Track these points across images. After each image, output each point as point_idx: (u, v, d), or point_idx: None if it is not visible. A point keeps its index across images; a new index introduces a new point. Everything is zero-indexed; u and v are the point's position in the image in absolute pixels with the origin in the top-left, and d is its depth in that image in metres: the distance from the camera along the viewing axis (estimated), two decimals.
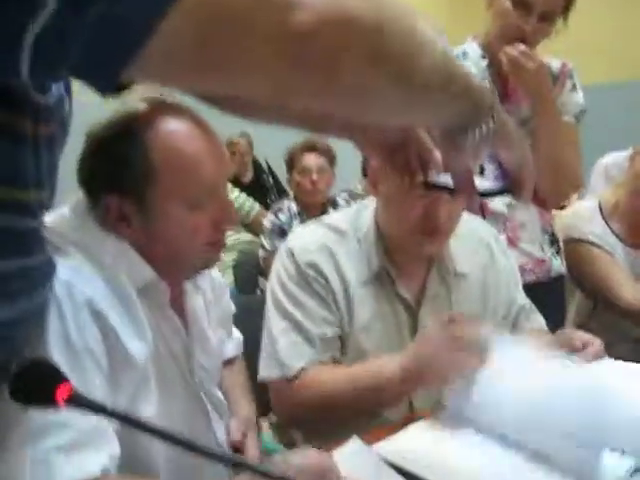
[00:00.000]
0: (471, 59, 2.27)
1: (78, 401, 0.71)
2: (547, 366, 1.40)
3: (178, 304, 1.37)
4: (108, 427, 1.09)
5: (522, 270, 2.19)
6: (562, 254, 2.36)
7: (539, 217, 2.31)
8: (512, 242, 2.23)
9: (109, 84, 0.68)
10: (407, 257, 1.67)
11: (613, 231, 2.50)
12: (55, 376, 0.74)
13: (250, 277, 3.65)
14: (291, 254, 1.66)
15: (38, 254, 0.97)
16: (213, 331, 1.51)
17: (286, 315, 1.62)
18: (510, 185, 1.02)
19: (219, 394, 1.51)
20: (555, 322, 2.18)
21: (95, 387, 1.09)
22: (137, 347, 1.18)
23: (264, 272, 3.77)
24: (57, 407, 0.72)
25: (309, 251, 1.65)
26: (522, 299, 1.83)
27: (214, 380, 1.50)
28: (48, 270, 1.03)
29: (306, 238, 1.70)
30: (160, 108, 1.25)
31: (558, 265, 2.33)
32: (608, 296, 2.36)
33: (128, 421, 0.72)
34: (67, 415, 1.02)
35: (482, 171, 1.04)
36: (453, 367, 1.37)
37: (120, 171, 1.21)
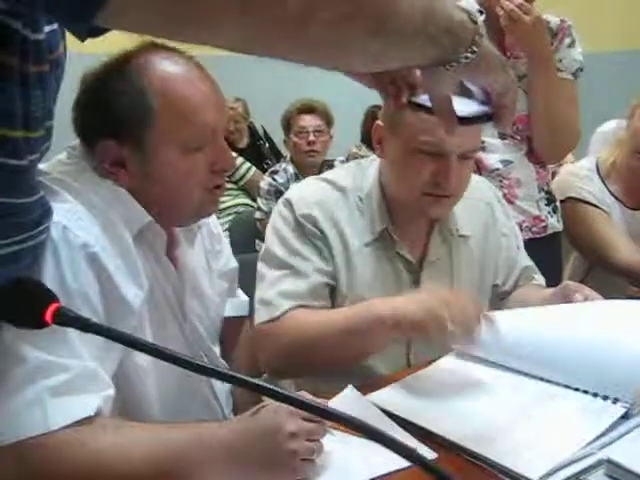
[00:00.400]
0: None
1: (66, 319, 0.71)
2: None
3: (173, 253, 1.36)
4: (104, 371, 1.09)
5: (518, 227, 2.19)
6: (559, 212, 2.35)
7: (536, 175, 2.30)
8: (508, 199, 2.22)
9: (83, 26, 0.67)
10: (410, 219, 1.65)
11: (610, 191, 2.50)
12: (43, 295, 0.73)
13: (246, 240, 3.64)
14: (289, 204, 1.63)
15: (29, 195, 0.96)
16: (211, 282, 1.51)
17: (280, 261, 1.59)
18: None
19: (215, 348, 1.50)
20: (551, 279, 2.18)
21: (91, 335, 1.08)
22: (132, 293, 1.17)
23: (260, 234, 3.77)
24: (45, 325, 0.72)
25: (307, 204, 1.62)
26: (525, 261, 1.82)
27: (210, 333, 1.49)
28: (42, 212, 1.02)
29: (305, 191, 1.67)
30: (156, 51, 1.23)
31: (554, 223, 2.33)
32: (604, 255, 2.37)
33: (115, 337, 0.71)
34: (62, 358, 1.03)
35: (470, 95, 1.03)
36: (458, 317, 1.30)
37: (116, 115, 1.20)
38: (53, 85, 0.95)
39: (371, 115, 4.49)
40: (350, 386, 1.35)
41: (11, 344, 1.00)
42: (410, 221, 1.65)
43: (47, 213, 1.05)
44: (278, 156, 4.77)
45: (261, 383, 0.70)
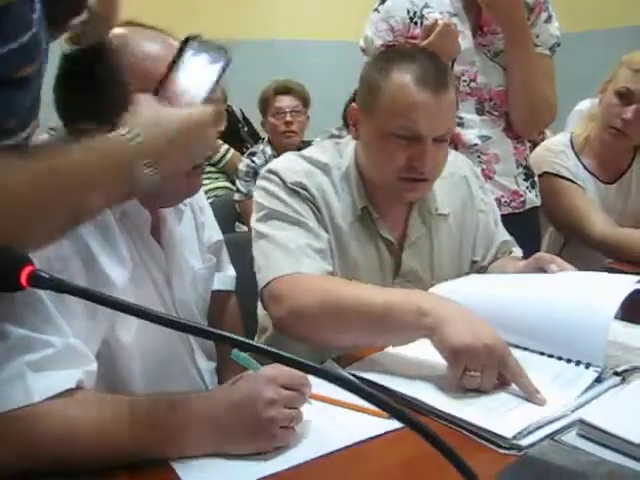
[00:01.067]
0: None
1: (40, 281, 0.71)
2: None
3: (159, 232, 1.37)
4: (87, 348, 1.09)
5: (497, 202, 2.20)
6: (537, 187, 2.37)
7: (514, 150, 2.31)
8: (487, 175, 2.23)
9: None
10: (388, 200, 1.66)
11: (584, 166, 2.54)
12: (17, 259, 0.73)
13: (226, 222, 3.65)
14: (275, 173, 1.61)
15: None
16: (202, 256, 1.52)
17: (280, 218, 1.56)
18: None
19: (204, 322, 1.51)
20: (530, 254, 2.20)
21: (74, 314, 1.09)
22: (116, 273, 1.17)
23: (240, 217, 3.77)
24: (20, 288, 0.72)
25: (295, 172, 1.61)
26: (502, 235, 1.84)
27: (199, 309, 1.49)
28: None
29: (289, 163, 1.65)
30: (134, 31, 1.23)
31: (532, 197, 2.34)
32: (579, 228, 2.41)
33: (90, 297, 0.72)
34: (45, 335, 1.03)
35: None
36: None
37: (97, 97, 1.17)
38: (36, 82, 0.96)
39: (354, 99, 4.49)
40: (329, 360, 1.37)
41: None
42: (388, 202, 1.66)
43: None
44: (256, 139, 4.76)
45: (247, 340, 0.71)
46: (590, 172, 2.54)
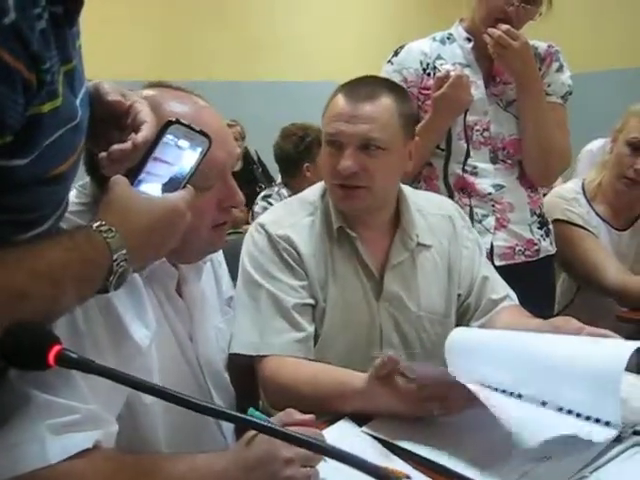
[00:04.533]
0: (456, 42, 2.29)
1: (68, 361, 0.72)
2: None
3: (180, 288, 1.38)
4: (108, 412, 1.10)
5: (512, 251, 2.22)
6: (551, 235, 2.37)
7: (528, 199, 2.31)
8: (501, 223, 2.24)
9: None
10: (367, 224, 1.71)
11: (597, 213, 2.55)
12: (45, 337, 0.74)
13: (236, 269, 3.66)
14: (261, 227, 1.68)
15: None
16: (222, 310, 1.55)
17: (258, 289, 1.61)
18: None
19: (226, 381, 1.52)
20: (545, 302, 2.20)
21: (97, 378, 1.09)
22: (141, 334, 1.18)
23: None
24: (48, 367, 0.73)
25: (280, 225, 1.68)
26: (486, 271, 1.84)
27: (222, 361, 1.51)
28: None
29: (277, 214, 1.74)
30: (164, 92, 1.26)
31: (547, 246, 2.33)
32: (592, 276, 2.40)
33: (117, 378, 0.73)
34: (66, 400, 1.04)
35: None
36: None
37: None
38: None
39: None
40: (345, 417, 1.37)
41: (15, 382, 1.02)
42: (368, 227, 1.71)
43: None
44: (270, 181, 4.80)
45: (263, 423, 0.72)
46: (602, 219, 2.54)
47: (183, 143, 1.09)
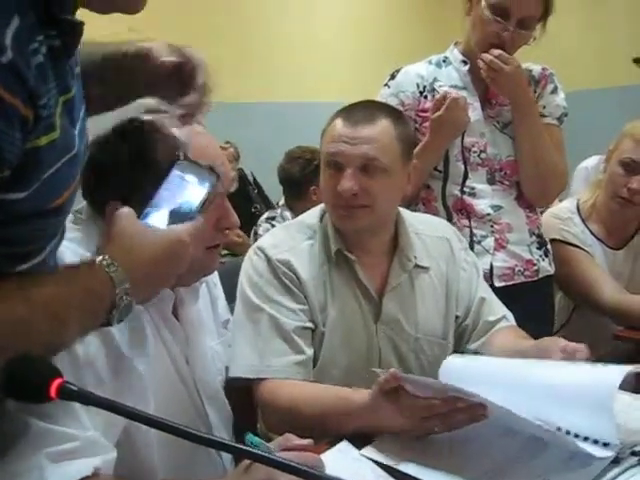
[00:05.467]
0: (452, 65, 2.31)
1: (69, 393, 0.73)
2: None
3: (177, 311, 1.40)
4: (106, 438, 1.11)
5: (511, 272, 2.23)
6: (550, 256, 2.38)
7: (526, 219, 2.33)
8: (500, 244, 2.25)
9: None
10: (365, 246, 1.73)
11: (592, 232, 2.56)
12: (47, 370, 0.75)
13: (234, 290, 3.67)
14: (261, 251, 1.69)
15: None
16: (218, 331, 1.57)
17: (257, 312, 1.62)
18: None
19: (223, 402, 1.53)
20: (544, 323, 2.21)
21: None
22: (138, 359, 1.20)
23: None
24: (50, 400, 0.74)
25: (280, 249, 1.69)
26: (484, 292, 1.85)
27: (218, 381, 1.52)
28: None
29: (276, 237, 1.75)
30: (164, 119, 1.27)
31: (546, 266, 2.34)
32: (588, 295, 2.41)
33: (116, 410, 0.74)
34: (65, 427, 1.05)
35: None
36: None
37: (127, 180, 1.22)
38: None
39: None
40: (345, 441, 1.37)
41: (14, 411, 1.02)
42: (366, 250, 1.73)
43: None
44: (266, 202, 4.81)
45: (265, 454, 0.73)
46: (597, 238, 2.56)
47: (190, 178, 1.12)
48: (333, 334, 1.67)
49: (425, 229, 1.83)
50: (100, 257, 0.97)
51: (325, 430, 1.41)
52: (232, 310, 1.69)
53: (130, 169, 1.23)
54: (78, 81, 0.98)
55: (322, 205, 1.79)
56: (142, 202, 1.21)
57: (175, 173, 1.11)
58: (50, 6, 0.84)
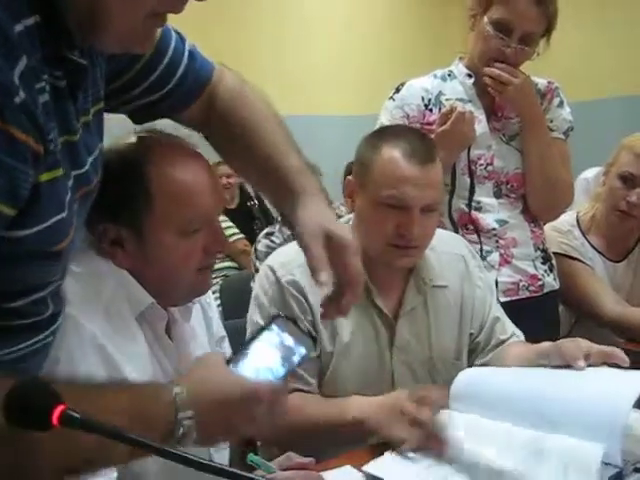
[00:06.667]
0: (457, 78, 2.32)
1: (71, 420, 0.74)
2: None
3: (170, 331, 1.40)
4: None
5: (516, 287, 2.23)
6: (555, 271, 2.39)
7: (531, 234, 2.32)
8: (505, 259, 2.25)
9: None
10: (383, 269, 1.72)
11: (592, 245, 2.58)
12: (48, 397, 0.76)
13: (236, 305, 3.64)
14: (272, 272, 1.69)
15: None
16: (211, 349, 1.54)
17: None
18: None
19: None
20: (549, 337, 2.21)
21: None
22: (134, 377, 1.21)
23: None
24: (52, 427, 0.74)
25: (289, 269, 1.68)
26: (497, 311, 1.86)
27: None
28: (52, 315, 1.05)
29: (287, 256, 1.72)
30: (157, 141, 1.31)
31: (551, 281, 2.34)
32: (589, 308, 2.43)
33: (118, 437, 0.75)
34: None
35: None
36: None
37: (115, 200, 1.24)
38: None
39: (349, 171, 4.53)
40: (348, 466, 1.37)
41: None
42: (384, 272, 1.72)
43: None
44: (267, 216, 4.82)
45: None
46: (598, 251, 2.57)
47: (287, 338, 1.12)
48: (345, 355, 1.67)
49: (439, 245, 1.81)
50: (173, 385, 0.98)
51: (332, 435, 1.46)
52: (234, 326, 1.71)
53: (123, 197, 1.25)
54: (89, 130, 1.01)
55: None
56: (132, 225, 1.26)
57: (273, 328, 1.12)
58: (58, 44, 0.86)
